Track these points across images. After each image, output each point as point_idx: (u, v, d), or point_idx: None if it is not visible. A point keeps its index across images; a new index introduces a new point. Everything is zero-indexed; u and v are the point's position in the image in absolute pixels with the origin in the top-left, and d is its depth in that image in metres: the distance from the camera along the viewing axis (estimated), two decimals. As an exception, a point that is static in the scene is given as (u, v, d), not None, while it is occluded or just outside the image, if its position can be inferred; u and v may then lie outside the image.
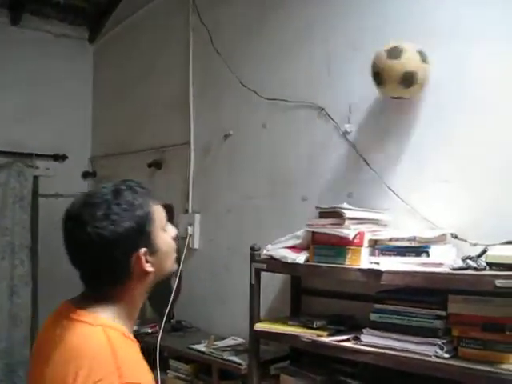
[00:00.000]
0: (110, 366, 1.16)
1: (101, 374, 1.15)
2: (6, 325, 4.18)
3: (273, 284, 2.91)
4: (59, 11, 4.54)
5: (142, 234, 1.30)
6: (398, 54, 2.24)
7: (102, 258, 1.27)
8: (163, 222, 1.39)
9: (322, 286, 2.74)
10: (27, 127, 4.40)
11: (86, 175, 4.72)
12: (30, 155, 4.38)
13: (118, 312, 1.31)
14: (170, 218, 3.93)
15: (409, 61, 2.24)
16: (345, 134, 2.71)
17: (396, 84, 2.28)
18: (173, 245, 1.42)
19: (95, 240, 1.24)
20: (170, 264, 1.42)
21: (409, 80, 2.25)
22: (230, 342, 3.06)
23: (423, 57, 2.27)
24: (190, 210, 3.66)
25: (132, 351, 1.27)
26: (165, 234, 1.39)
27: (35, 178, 4.42)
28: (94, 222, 1.25)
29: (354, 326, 2.41)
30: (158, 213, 1.37)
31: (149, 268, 1.31)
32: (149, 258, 1.31)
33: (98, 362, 1.18)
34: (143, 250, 1.30)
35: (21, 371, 4.21)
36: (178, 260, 1.51)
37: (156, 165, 3.98)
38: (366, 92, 2.63)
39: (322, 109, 2.81)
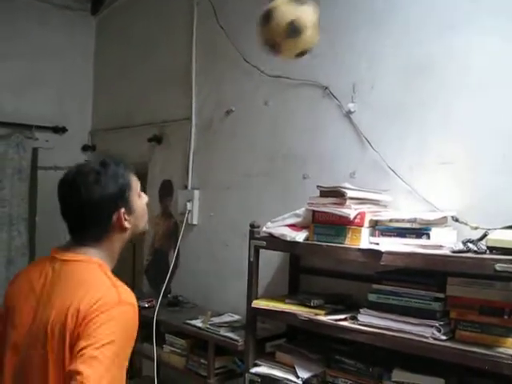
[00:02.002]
0: (109, 289, 1.51)
1: (102, 293, 1.48)
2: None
3: (271, 262, 2.90)
4: (62, -19, 4.49)
5: (122, 197, 1.63)
6: (269, 17, 2.02)
7: (92, 213, 1.60)
8: (138, 190, 1.72)
9: (321, 264, 2.75)
10: (27, 98, 4.36)
11: (85, 148, 4.70)
12: (29, 127, 4.34)
13: (103, 256, 1.63)
14: (169, 192, 3.95)
15: (283, 13, 2.00)
16: (348, 113, 2.70)
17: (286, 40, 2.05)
18: (145, 208, 1.75)
19: (86, 200, 1.58)
20: (143, 224, 1.75)
21: (295, 30, 2.02)
22: (226, 318, 3.07)
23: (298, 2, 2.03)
24: (189, 186, 3.65)
25: (122, 282, 1.58)
26: (139, 200, 1.72)
27: (34, 149, 4.39)
28: (86, 186, 1.59)
29: (351, 306, 2.43)
30: (135, 182, 1.70)
31: (126, 224, 1.65)
32: (126, 217, 1.64)
33: (99, 286, 1.52)
34: (123, 209, 1.63)
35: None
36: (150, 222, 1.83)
37: (156, 139, 3.96)
38: (371, 71, 2.63)
39: (326, 87, 2.79)
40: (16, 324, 1.61)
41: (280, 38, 2.03)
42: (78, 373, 1.36)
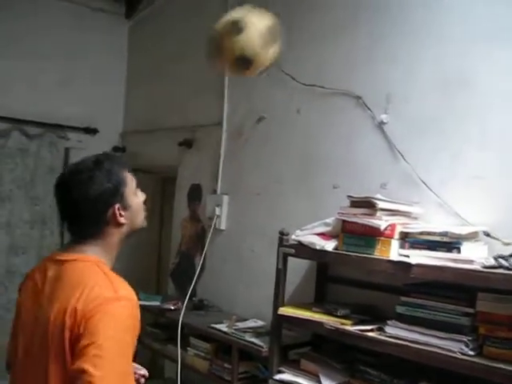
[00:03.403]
0: (106, 286, 1.53)
1: (99, 291, 1.50)
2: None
3: (298, 269, 2.91)
4: (98, -15, 4.57)
5: (116, 193, 1.67)
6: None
7: (87, 210, 1.65)
8: (134, 188, 1.75)
9: (348, 274, 2.74)
10: (60, 99, 4.42)
11: (115, 150, 4.74)
12: (61, 127, 4.41)
13: (100, 253, 1.67)
14: (198, 197, 3.97)
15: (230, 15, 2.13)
16: (381, 124, 2.70)
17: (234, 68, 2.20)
18: (141, 205, 1.78)
19: (81, 197, 1.63)
20: (139, 220, 1.77)
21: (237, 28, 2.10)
22: (251, 323, 3.09)
23: (237, 28, 2.10)
24: (218, 191, 3.68)
25: (120, 278, 1.61)
26: (135, 197, 1.75)
27: (66, 149, 4.45)
28: (80, 184, 1.64)
29: (377, 317, 2.42)
30: (130, 179, 1.74)
31: (122, 219, 1.68)
32: (122, 213, 1.68)
33: (95, 284, 1.53)
34: (117, 205, 1.67)
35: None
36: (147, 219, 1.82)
37: (187, 144, 3.99)
38: (405, 83, 2.62)
39: (360, 97, 2.79)
40: (22, 325, 1.68)
41: (223, 34, 2.12)
42: (83, 371, 1.39)
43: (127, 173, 1.74)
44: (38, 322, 1.58)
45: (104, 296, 1.50)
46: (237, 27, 2.08)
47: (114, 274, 1.62)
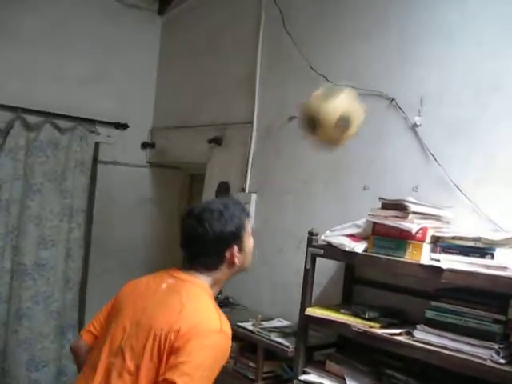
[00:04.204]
0: (213, 315, 1.73)
1: (207, 318, 1.71)
2: (61, 286, 4.28)
3: (325, 270, 2.89)
4: (131, -19, 4.60)
5: (237, 236, 1.87)
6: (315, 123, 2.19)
7: (210, 246, 1.84)
8: (250, 233, 1.96)
9: (376, 277, 2.72)
10: (91, 93, 4.45)
11: (145, 145, 4.77)
12: (92, 121, 4.44)
13: (210, 284, 1.86)
14: (226, 194, 3.95)
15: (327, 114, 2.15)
16: (414, 126, 2.67)
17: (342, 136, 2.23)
18: (252, 249, 1.98)
19: (208, 233, 1.82)
20: (248, 262, 1.97)
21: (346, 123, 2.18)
22: (276, 323, 3.08)
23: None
24: (246, 190, 3.67)
25: (222, 312, 1.80)
26: (249, 241, 1.95)
27: (96, 144, 4.49)
28: (210, 221, 1.83)
29: (405, 321, 2.41)
30: (248, 224, 1.95)
31: (236, 260, 1.87)
32: (237, 254, 1.87)
33: (205, 309, 1.74)
34: (236, 247, 1.87)
35: (70, 334, 4.32)
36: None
37: (216, 141, 3.99)
38: (439, 85, 2.60)
39: (393, 99, 2.77)
40: (119, 323, 1.84)
41: (337, 135, 2.20)
42: (173, 383, 1.59)
43: (247, 219, 1.96)
44: (138, 323, 1.77)
45: (210, 325, 1.69)
46: (344, 122, 2.16)
47: (218, 308, 1.82)
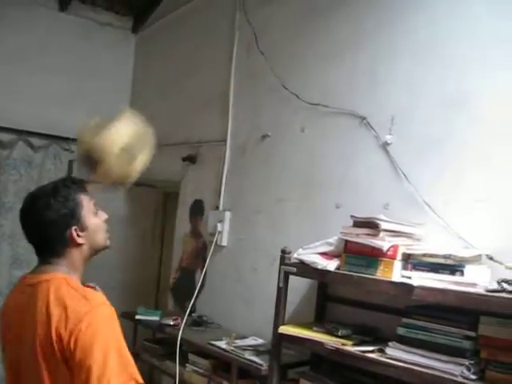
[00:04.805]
0: (79, 300, 1.63)
1: (75, 307, 1.60)
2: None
3: (298, 288, 2.90)
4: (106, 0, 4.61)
5: (73, 216, 1.77)
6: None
7: (47, 233, 1.76)
8: (92, 209, 1.83)
9: (349, 294, 2.73)
10: (65, 111, 4.42)
11: (118, 163, 4.74)
12: (66, 139, 4.41)
13: (65, 271, 1.76)
14: (200, 212, 3.97)
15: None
16: (385, 145, 2.70)
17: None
18: (101, 225, 1.87)
19: (43, 222, 1.75)
20: (99, 239, 1.86)
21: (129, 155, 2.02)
22: (250, 341, 3.07)
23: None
24: (220, 207, 3.68)
25: (90, 289, 1.74)
26: (94, 218, 1.84)
27: (70, 162, 4.46)
28: (41, 210, 1.75)
29: (378, 338, 2.41)
30: (86, 202, 1.82)
31: (80, 240, 1.78)
32: (80, 234, 1.78)
33: (70, 301, 1.62)
34: (74, 227, 1.77)
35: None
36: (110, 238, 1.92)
37: (190, 159, 4.01)
38: (410, 104, 2.63)
39: (364, 118, 2.80)
40: (7, 343, 1.79)
41: (123, 170, 1.99)
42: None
43: (84, 195, 1.82)
44: (22, 341, 1.68)
45: (82, 310, 1.60)
46: (128, 153, 1.99)
47: (84, 287, 1.73)
